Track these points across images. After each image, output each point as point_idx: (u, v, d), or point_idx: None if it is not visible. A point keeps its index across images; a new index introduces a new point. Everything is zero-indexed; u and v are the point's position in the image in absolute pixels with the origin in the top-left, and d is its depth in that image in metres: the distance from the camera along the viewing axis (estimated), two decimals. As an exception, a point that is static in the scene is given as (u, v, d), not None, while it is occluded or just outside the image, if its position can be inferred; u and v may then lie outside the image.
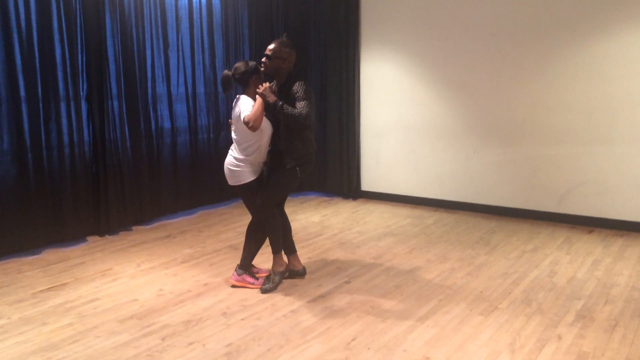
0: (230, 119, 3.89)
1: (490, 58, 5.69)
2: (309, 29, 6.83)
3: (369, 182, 6.76)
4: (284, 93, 3.72)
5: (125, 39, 5.28)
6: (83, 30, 4.95)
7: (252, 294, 3.78)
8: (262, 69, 3.77)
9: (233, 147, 3.84)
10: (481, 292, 3.79)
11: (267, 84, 3.70)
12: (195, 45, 6.00)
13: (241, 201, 6.40)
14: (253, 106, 3.61)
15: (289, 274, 4.07)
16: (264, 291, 3.82)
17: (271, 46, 3.74)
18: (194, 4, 5.94)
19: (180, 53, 5.85)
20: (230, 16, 6.34)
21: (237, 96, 3.79)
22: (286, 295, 3.77)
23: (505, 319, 3.36)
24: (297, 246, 4.70)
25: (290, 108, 3.61)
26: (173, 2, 5.73)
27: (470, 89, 5.87)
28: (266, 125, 3.75)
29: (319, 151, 6.82)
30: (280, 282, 3.93)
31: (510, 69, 5.60)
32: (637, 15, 4.90)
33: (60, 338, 3.18)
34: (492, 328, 3.25)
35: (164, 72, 5.71)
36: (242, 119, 3.58)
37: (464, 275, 4.12)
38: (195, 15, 5.97)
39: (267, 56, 3.73)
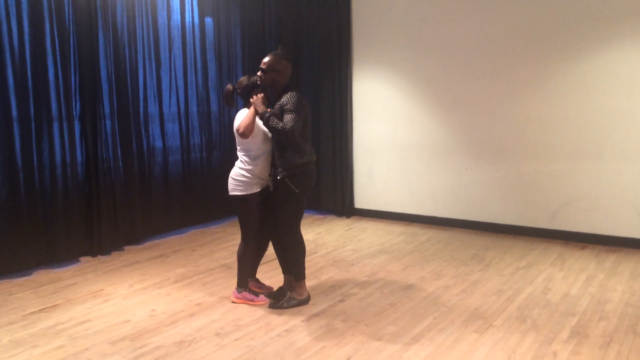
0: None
1: (482, 75, 5.75)
2: (301, 48, 6.89)
3: (362, 199, 6.77)
4: (279, 105, 3.71)
5: (118, 59, 5.30)
6: (76, 51, 4.96)
7: (245, 314, 3.75)
8: (259, 82, 3.80)
9: (239, 159, 3.85)
10: (476, 309, 3.78)
11: (261, 94, 3.73)
12: (188, 65, 6.03)
13: (234, 220, 6.43)
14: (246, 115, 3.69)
15: (283, 293, 3.99)
16: (271, 306, 3.84)
17: (266, 59, 3.73)
18: (187, 24, 5.98)
19: (173, 73, 5.88)
20: (223, 36, 6.38)
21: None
22: (280, 314, 3.74)
23: (501, 336, 3.35)
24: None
25: (276, 121, 3.58)
26: (165, 23, 5.77)
27: (462, 106, 5.91)
28: (265, 136, 3.77)
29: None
30: (291, 307, 3.84)
31: (501, 86, 5.65)
32: (625, 33, 4.98)
33: (51, 361, 3.14)
34: (488, 345, 3.24)
35: (156, 91, 5.73)
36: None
37: (458, 292, 4.11)
38: (188, 36, 6.01)
39: (263, 70, 3.73)
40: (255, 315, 3.72)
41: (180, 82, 5.97)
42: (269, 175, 3.84)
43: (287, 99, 3.65)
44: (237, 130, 3.65)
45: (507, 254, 5.06)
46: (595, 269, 4.57)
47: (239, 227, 3.96)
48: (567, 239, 5.42)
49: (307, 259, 4.96)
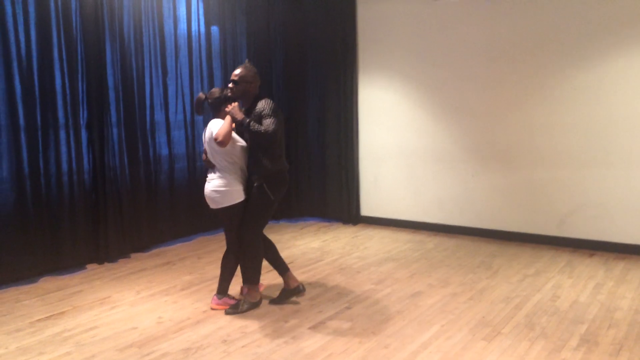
0: (204, 153, 3.99)
1: (488, 82, 5.74)
2: (307, 56, 6.90)
3: (368, 207, 6.75)
4: (251, 114, 3.80)
5: (124, 67, 5.33)
6: (83, 59, 5.00)
7: (252, 321, 3.74)
8: (230, 94, 3.87)
9: (214, 173, 3.88)
10: (484, 316, 3.75)
11: (236, 103, 3.81)
12: (194, 73, 6.05)
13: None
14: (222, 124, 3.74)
15: (286, 294, 4.07)
16: (227, 313, 3.87)
17: (237, 71, 3.87)
18: (193, 33, 6.01)
19: (179, 81, 5.90)
20: (229, 44, 6.41)
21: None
22: (287, 321, 3.73)
23: (509, 344, 3.32)
24: (297, 272, 4.72)
25: (256, 125, 3.69)
26: (172, 31, 5.80)
27: (468, 112, 5.91)
28: (241, 144, 3.85)
29: (319, 177, 6.89)
30: (247, 310, 3.90)
31: (508, 93, 5.64)
32: (632, 40, 4.97)
33: (58, 368, 3.14)
34: (496, 353, 3.21)
35: (162, 99, 5.75)
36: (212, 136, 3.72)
37: (466, 300, 4.09)
38: (194, 44, 6.04)
39: (234, 81, 3.84)
40: (261, 323, 3.71)
41: (187, 90, 5.99)
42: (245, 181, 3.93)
43: (262, 105, 3.78)
44: (216, 139, 3.65)
45: (515, 261, 5.03)
46: (604, 277, 4.54)
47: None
48: (575, 246, 5.38)
49: (312, 266, 4.98)
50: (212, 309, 3.97)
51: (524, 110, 5.57)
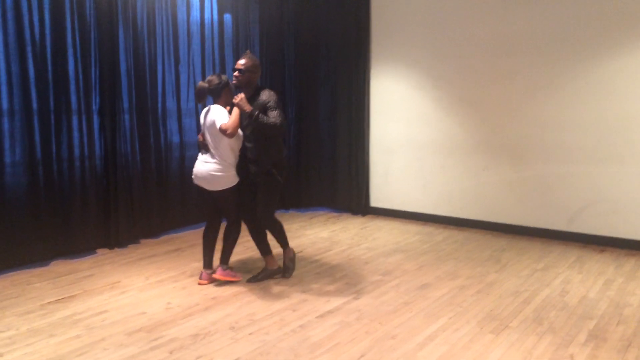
0: (200, 133, 4.16)
1: (501, 76, 5.70)
2: (319, 46, 6.88)
3: (378, 198, 6.75)
4: (254, 103, 3.95)
5: (137, 54, 5.34)
6: (96, 45, 5.01)
7: (260, 309, 3.76)
8: (235, 82, 4.03)
9: (208, 156, 4.05)
10: (492, 310, 3.75)
11: (242, 95, 3.93)
12: (206, 61, 6.05)
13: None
14: (230, 115, 3.90)
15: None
16: (249, 280, 4.24)
17: (242, 61, 4.03)
18: (206, 21, 6.01)
19: (191, 68, 5.90)
20: (242, 33, 6.40)
21: (208, 107, 4.09)
22: (294, 310, 3.75)
23: (516, 338, 3.32)
24: (305, 262, 4.79)
25: (265, 117, 3.87)
26: (185, 19, 5.79)
27: (480, 106, 5.87)
28: (240, 133, 4.05)
29: (329, 167, 6.90)
30: (266, 278, 4.28)
31: (521, 87, 5.60)
32: (648, 34, 4.91)
33: (68, 350, 3.17)
34: (503, 347, 3.21)
35: (174, 87, 5.76)
36: (218, 126, 3.86)
37: (474, 292, 4.08)
38: (207, 32, 6.03)
39: (240, 70, 4.01)
40: (269, 311, 3.73)
41: (199, 78, 5.98)
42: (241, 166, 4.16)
43: (267, 97, 3.97)
44: (226, 131, 3.81)
45: (524, 255, 5.01)
46: (614, 273, 4.51)
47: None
48: (585, 242, 5.35)
49: (321, 256, 5.00)
50: (215, 278, 4.20)
51: (535, 105, 5.52)
